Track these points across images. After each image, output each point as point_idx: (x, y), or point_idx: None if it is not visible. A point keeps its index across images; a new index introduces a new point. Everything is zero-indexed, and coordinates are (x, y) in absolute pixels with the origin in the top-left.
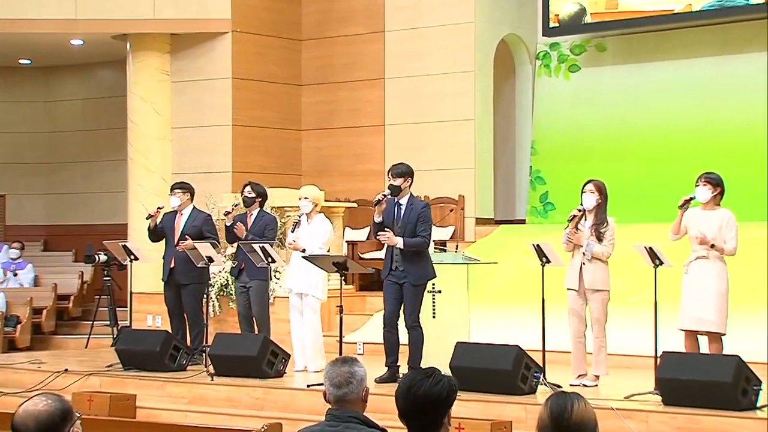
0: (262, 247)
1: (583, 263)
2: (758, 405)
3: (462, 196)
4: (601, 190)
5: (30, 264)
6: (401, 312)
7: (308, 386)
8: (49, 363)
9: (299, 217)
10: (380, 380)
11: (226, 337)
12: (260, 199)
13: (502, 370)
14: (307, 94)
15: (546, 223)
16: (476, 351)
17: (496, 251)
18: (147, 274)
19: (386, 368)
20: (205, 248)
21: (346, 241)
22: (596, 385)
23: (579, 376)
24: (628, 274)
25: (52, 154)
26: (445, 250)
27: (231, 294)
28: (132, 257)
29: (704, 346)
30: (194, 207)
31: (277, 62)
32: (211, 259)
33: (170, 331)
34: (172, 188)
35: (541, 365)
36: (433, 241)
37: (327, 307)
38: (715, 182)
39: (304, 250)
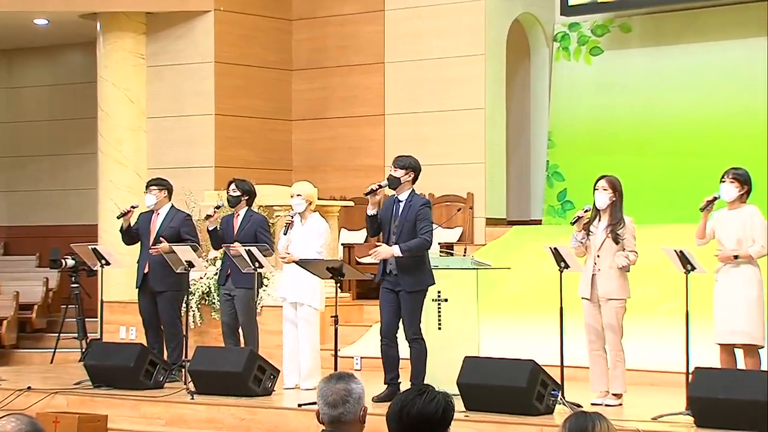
0: (248, 250)
1: (598, 269)
2: None
3: (471, 193)
4: (615, 186)
5: None
6: (401, 323)
7: (299, 406)
8: (10, 380)
9: (291, 217)
10: (379, 399)
11: (208, 350)
12: (247, 198)
13: (516, 387)
14: (299, 80)
15: (564, 223)
16: (487, 366)
17: (508, 255)
18: (120, 280)
19: (385, 386)
20: (184, 252)
21: (342, 244)
22: (620, 405)
23: (601, 393)
24: (656, 281)
25: (13, 147)
26: (452, 254)
27: (214, 303)
28: (103, 262)
29: (741, 360)
30: (172, 206)
31: (265, 45)
32: (191, 264)
33: (145, 344)
34: (148, 185)
35: (559, 382)
36: (439, 243)
37: (321, 318)
38: (743, 179)
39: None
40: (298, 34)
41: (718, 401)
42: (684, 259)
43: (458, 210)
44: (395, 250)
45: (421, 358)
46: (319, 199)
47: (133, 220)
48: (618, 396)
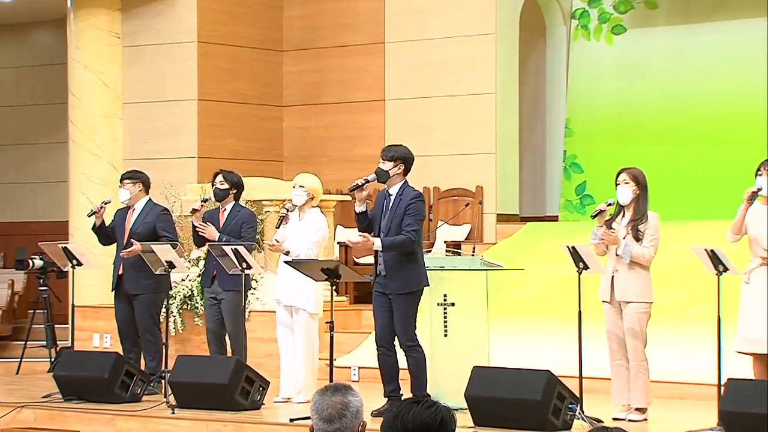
0: (235, 249)
1: (616, 270)
2: None
3: (480, 187)
4: (638, 179)
5: None
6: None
7: (291, 421)
8: None
9: (287, 210)
10: (378, 413)
11: (190, 360)
12: (235, 191)
13: (530, 400)
14: (290, 61)
15: (583, 220)
16: (498, 377)
17: (521, 255)
18: (93, 283)
19: (385, 399)
20: (164, 251)
21: (338, 243)
22: (645, 420)
23: (623, 407)
24: (685, 284)
25: None
26: (459, 254)
27: (197, 307)
28: (74, 262)
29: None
30: (149, 200)
31: (253, 22)
32: (171, 265)
33: (121, 353)
34: (121, 179)
35: (578, 395)
36: (445, 242)
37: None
38: None
39: (287, 253)
40: (289, 11)
41: (753, 416)
42: (715, 260)
43: (466, 205)
44: (377, 243)
45: (420, 368)
46: None
47: (109, 218)
48: (641, 410)
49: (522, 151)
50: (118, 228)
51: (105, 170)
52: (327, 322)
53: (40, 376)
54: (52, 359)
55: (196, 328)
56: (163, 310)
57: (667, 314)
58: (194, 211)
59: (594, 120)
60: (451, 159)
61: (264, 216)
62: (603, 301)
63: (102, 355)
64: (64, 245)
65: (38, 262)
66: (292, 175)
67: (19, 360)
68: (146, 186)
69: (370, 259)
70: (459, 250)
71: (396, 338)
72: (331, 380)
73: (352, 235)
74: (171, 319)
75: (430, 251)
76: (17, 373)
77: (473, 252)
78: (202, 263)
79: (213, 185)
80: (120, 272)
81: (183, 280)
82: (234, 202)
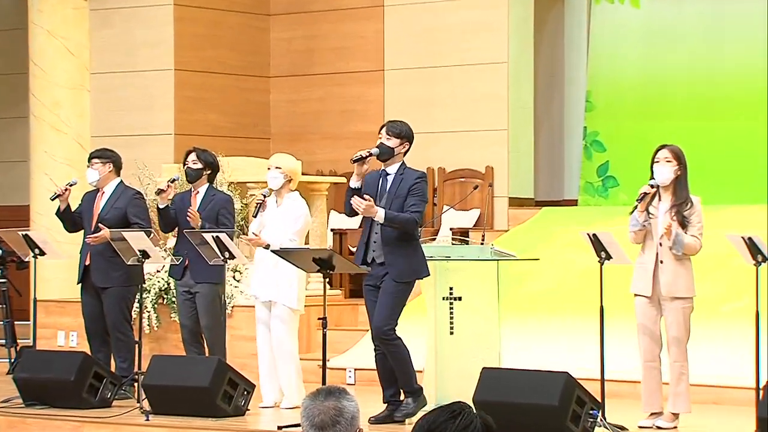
0: (217, 237)
1: (661, 261)
2: None
3: (490, 167)
4: (680, 158)
5: None
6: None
7: (280, 428)
8: None
9: (264, 195)
10: (377, 420)
11: (166, 360)
12: (209, 172)
13: (546, 405)
14: (278, 27)
15: (606, 204)
16: (510, 380)
17: (536, 244)
18: (57, 275)
19: (384, 404)
20: (137, 239)
21: (332, 230)
22: (675, 428)
23: (652, 414)
24: (720, 276)
25: None
26: (467, 242)
27: (173, 302)
28: (37, 252)
29: None
30: (120, 182)
31: None
32: (145, 254)
33: (89, 352)
34: (90, 158)
35: (600, 399)
36: (451, 229)
37: (306, 321)
38: None
39: (268, 246)
40: None
41: None
42: (754, 249)
43: (475, 188)
44: (380, 214)
45: (405, 359)
46: (303, 174)
47: (75, 202)
48: (676, 416)
49: (537, 127)
50: (86, 213)
51: (70, 148)
52: (320, 318)
53: None
54: (12, 360)
55: (173, 325)
56: (136, 304)
57: (701, 310)
58: (160, 191)
59: (618, 92)
60: (458, 136)
61: (248, 200)
62: (636, 295)
63: (67, 355)
64: (24, 232)
65: None
66: None
67: None
68: (117, 167)
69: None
70: (467, 238)
71: (400, 334)
72: (323, 383)
73: (347, 221)
74: (144, 315)
75: (434, 239)
76: None
77: (482, 240)
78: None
79: (185, 164)
80: (87, 262)
81: (158, 271)
82: (208, 184)
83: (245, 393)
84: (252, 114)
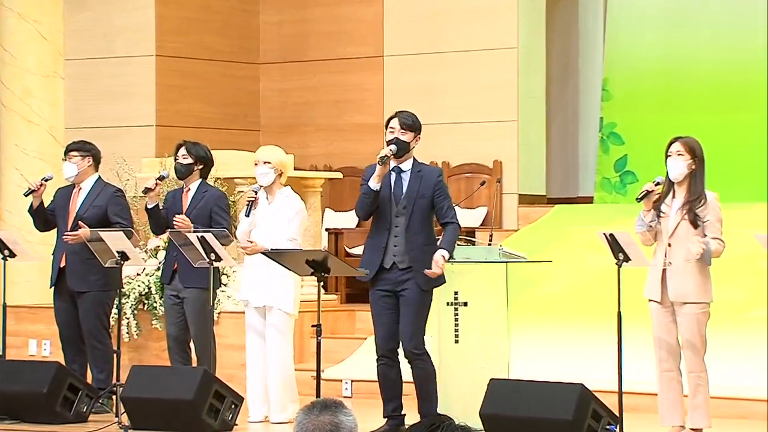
0: (201, 237)
1: (669, 263)
2: None
3: (499, 162)
4: (695, 151)
5: None
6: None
7: None
8: None
9: (255, 192)
10: None
11: (147, 371)
12: (201, 167)
13: (560, 420)
14: (269, 9)
15: (624, 201)
16: (520, 392)
17: (549, 244)
18: (29, 277)
19: (385, 419)
20: (116, 239)
21: (326, 230)
22: None
23: (673, 428)
24: (746, 280)
25: None
26: (473, 243)
27: (155, 307)
28: (6, 253)
29: None
30: (99, 178)
31: None
32: (124, 256)
33: (63, 362)
34: (67, 151)
35: (617, 413)
36: None
37: (299, 328)
38: None
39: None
40: None
41: None
42: None
43: (482, 184)
44: (444, 255)
45: (430, 381)
46: (295, 169)
47: (48, 198)
48: (697, 431)
49: (549, 118)
50: (60, 210)
51: (43, 141)
52: (313, 326)
53: None
54: None
55: (154, 333)
56: (114, 310)
57: (725, 317)
58: (147, 190)
59: (637, 80)
60: (463, 128)
61: (236, 197)
62: (650, 300)
63: (40, 365)
64: None
65: None
66: None
67: None
68: (96, 161)
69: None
70: (473, 239)
71: (400, 345)
72: (318, 395)
73: (343, 220)
74: (124, 322)
75: (438, 239)
76: None
77: (490, 241)
78: (162, 254)
79: (175, 159)
80: (62, 265)
81: (138, 274)
82: (200, 180)
83: (233, 406)
84: (240, 104)
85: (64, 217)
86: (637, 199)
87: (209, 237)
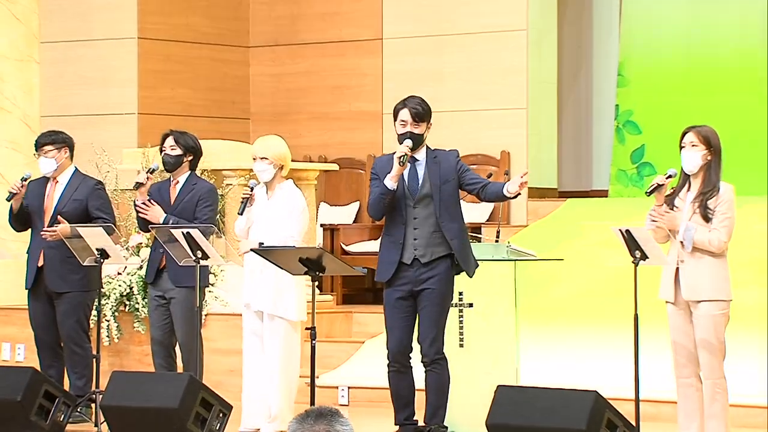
0: (187, 233)
1: (681, 261)
2: None
3: (506, 153)
4: (710, 141)
5: None
6: (415, 338)
7: None
8: None
9: (251, 189)
10: None
11: (129, 377)
12: (191, 158)
13: (572, 430)
14: None
15: (641, 195)
16: (529, 399)
17: (560, 241)
18: (3, 277)
19: (396, 427)
20: (95, 236)
21: (321, 225)
22: None
23: None
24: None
25: None
26: (479, 239)
27: (137, 309)
28: None
29: None
30: (76, 170)
31: None
32: (104, 254)
33: (39, 368)
34: (41, 143)
35: (634, 423)
36: None
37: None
38: None
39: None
40: None
41: None
42: None
43: (488, 176)
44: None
45: (444, 388)
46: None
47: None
48: None
49: (561, 105)
50: (35, 205)
51: (16, 130)
52: (307, 329)
53: None
54: None
55: (136, 336)
56: (94, 312)
57: (747, 318)
58: (139, 185)
59: (656, 65)
60: (469, 116)
61: (225, 191)
62: (666, 302)
63: (14, 371)
64: None
65: None
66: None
67: None
68: (72, 150)
69: (363, 247)
70: (479, 235)
71: (419, 348)
72: (312, 403)
73: (339, 215)
74: (103, 325)
75: None
76: None
77: (497, 237)
78: (145, 252)
79: (162, 151)
80: (40, 264)
81: (119, 273)
82: (189, 172)
83: (221, 415)
84: (228, 90)
85: (40, 213)
86: (646, 192)
87: (195, 233)
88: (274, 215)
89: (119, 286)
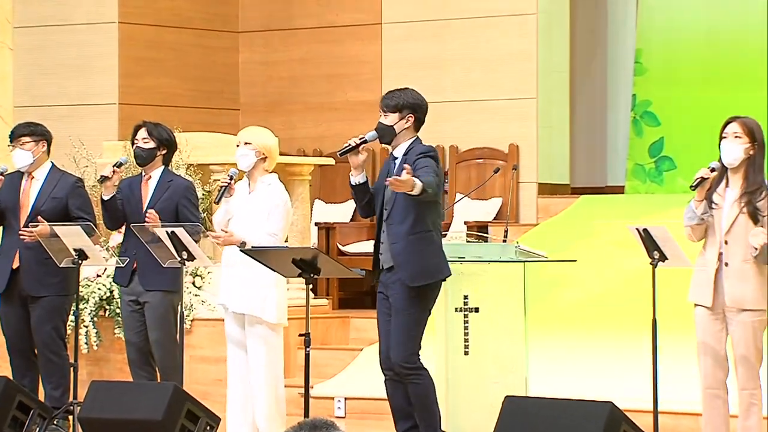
0: (172, 232)
1: (726, 263)
2: None
3: (515, 146)
4: (755, 134)
5: None
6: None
7: None
8: None
9: (231, 178)
10: None
11: (109, 387)
12: (165, 152)
13: None
14: None
15: (659, 191)
16: (540, 411)
17: (573, 241)
18: None
19: None
20: (73, 236)
21: (316, 224)
22: None
23: None
24: None
25: None
26: (486, 239)
27: (117, 314)
28: None
29: None
30: (53, 166)
31: None
32: (83, 255)
33: (11, 377)
34: (19, 134)
35: None
36: (466, 223)
37: (284, 338)
38: None
39: (243, 244)
40: None
41: None
42: None
43: (495, 171)
44: (417, 186)
45: (429, 398)
46: (281, 154)
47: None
48: None
49: (574, 95)
50: (8, 203)
51: None
52: (301, 335)
53: None
54: None
55: (117, 343)
56: (71, 318)
57: None
58: (104, 179)
59: (676, 51)
60: (475, 107)
61: (212, 186)
62: (697, 305)
63: None
64: None
65: None
66: None
67: None
68: (49, 145)
69: (360, 247)
70: (486, 234)
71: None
72: (306, 415)
73: (335, 213)
74: (82, 331)
75: (445, 235)
76: None
77: (505, 237)
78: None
79: (133, 143)
80: (15, 265)
81: (99, 275)
82: (163, 167)
83: (208, 428)
84: (216, 79)
85: (15, 211)
86: (691, 186)
87: (181, 233)
88: (255, 209)
89: (98, 289)
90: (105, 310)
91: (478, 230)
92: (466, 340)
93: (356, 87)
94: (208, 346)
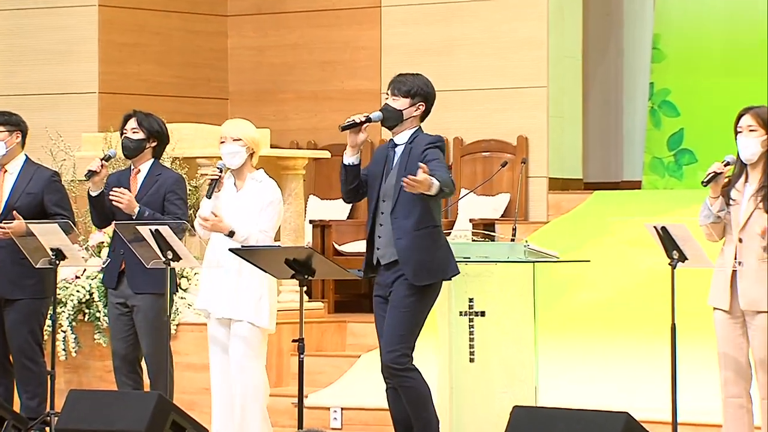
0: (156, 230)
1: (739, 262)
2: None
3: (524, 138)
4: None
5: None
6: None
7: None
8: None
9: (220, 171)
10: None
11: (88, 396)
12: (155, 144)
13: None
14: None
15: (679, 186)
16: (551, 422)
17: (586, 240)
18: None
19: None
20: (49, 234)
21: (311, 222)
22: None
23: None
24: None
25: None
26: (493, 238)
27: (97, 318)
28: None
29: None
30: (27, 159)
31: None
32: (60, 255)
33: None
34: None
35: None
36: (471, 221)
37: (275, 344)
38: None
39: (231, 233)
40: None
41: None
42: None
43: (503, 165)
44: (434, 185)
45: (423, 402)
46: (272, 146)
47: None
48: None
49: (587, 84)
50: None
51: None
52: (294, 341)
53: None
54: None
55: (97, 350)
56: (48, 322)
57: None
58: (92, 174)
59: (696, 37)
60: (480, 96)
61: (199, 182)
62: (715, 309)
63: None
64: None
65: None
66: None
67: None
68: (24, 137)
69: (358, 247)
70: (492, 233)
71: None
72: (299, 427)
73: (331, 210)
74: (60, 337)
75: (449, 234)
76: None
77: (513, 235)
78: (106, 252)
79: (122, 134)
80: None
81: (77, 277)
82: (153, 160)
83: None
84: (203, 66)
85: None
86: (703, 183)
87: (165, 231)
88: (245, 207)
89: (77, 291)
90: (84, 314)
91: (485, 228)
92: (471, 346)
93: (353, 75)
94: (194, 353)
